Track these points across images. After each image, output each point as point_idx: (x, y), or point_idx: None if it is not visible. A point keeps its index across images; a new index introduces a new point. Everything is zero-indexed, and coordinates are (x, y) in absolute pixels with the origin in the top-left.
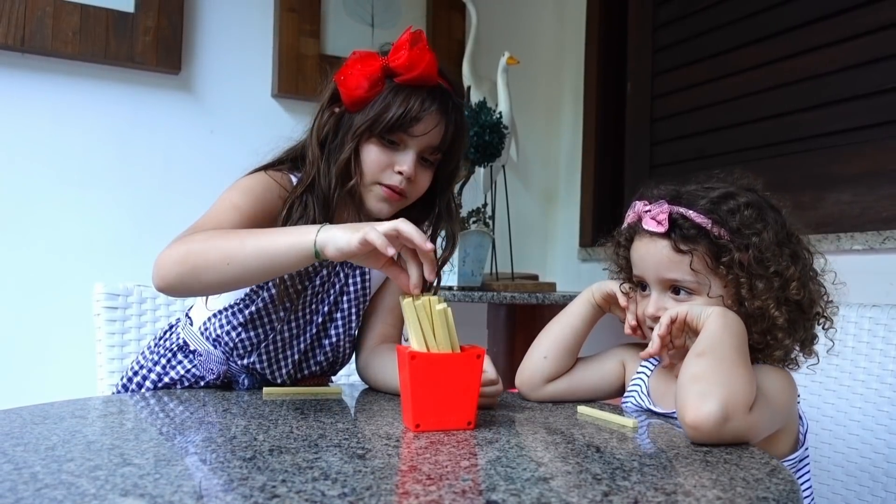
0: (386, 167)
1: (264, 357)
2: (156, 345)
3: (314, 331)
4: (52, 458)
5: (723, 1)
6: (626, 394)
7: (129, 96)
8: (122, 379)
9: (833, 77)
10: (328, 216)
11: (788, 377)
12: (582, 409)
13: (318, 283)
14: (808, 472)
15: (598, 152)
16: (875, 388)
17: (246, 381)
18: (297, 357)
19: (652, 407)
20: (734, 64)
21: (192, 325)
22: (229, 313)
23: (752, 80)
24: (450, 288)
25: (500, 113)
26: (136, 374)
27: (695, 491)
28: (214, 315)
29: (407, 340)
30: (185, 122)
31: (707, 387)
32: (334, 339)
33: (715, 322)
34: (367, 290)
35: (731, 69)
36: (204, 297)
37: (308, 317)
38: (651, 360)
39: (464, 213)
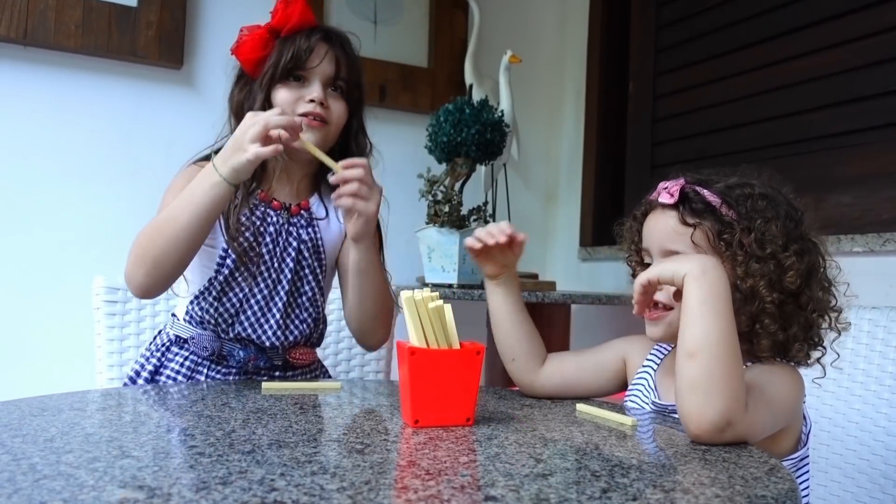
0: (297, 100)
1: (247, 323)
2: (147, 349)
3: (287, 287)
4: (51, 449)
5: (725, 2)
6: (630, 387)
7: (131, 91)
8: (122, 385)
9: (835, 79)
10: (257, 171)
11: (797, 376)
12: (581, 406)
13: (268, 240)
14: (808, 472)
15: (600, 152)
16: (874, 390)
17: (241, 354)
18: (279, 317)
19: (658, 400)
20: (736, 65)
21: (178, 319)
22: (205, 293)
23: (754, 81)
24: (450, 286)
25: (501, 111)
26: (132, 380)
27: (693, 489)
28: (193, 300)
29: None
30: (186, 117)
31: (705, 399)
32: (310, 294)
33: (695, 290)
34: (318, 238)
35: (733, 70)
36: (183, 291)
37: (276, 275)
38: (658, 353)
39: (464, 211)
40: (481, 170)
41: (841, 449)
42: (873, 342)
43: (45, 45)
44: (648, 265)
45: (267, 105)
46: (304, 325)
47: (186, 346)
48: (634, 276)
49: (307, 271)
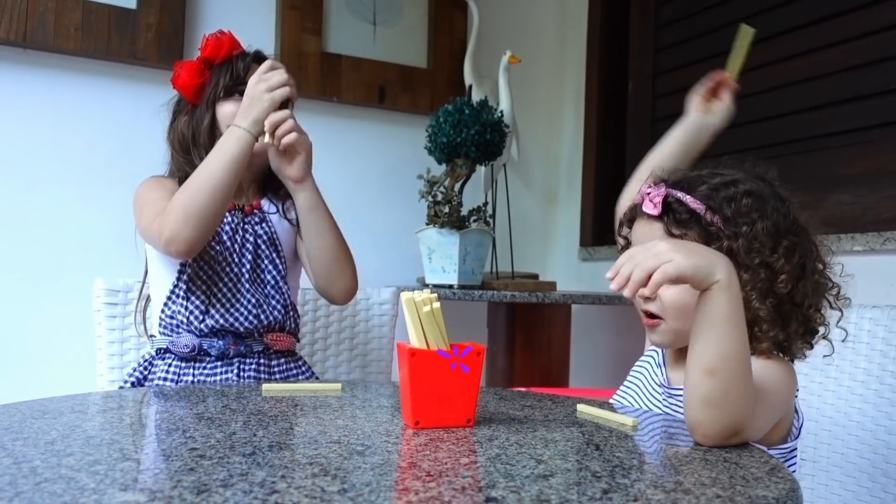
0: None
1: (218, 315)
2: (132, 367)
3: (248, 276)
4: (52, 452)
5: (725, 1)
6: (641, 359)
7: (130, 92)
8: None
9: (835, 78)
10: None
11: (790, 371)
12: (582, 407)
13: (225, 238)
14: (795, 464)
15: (599, 152)
16: (875, 389)
17: (220, 344)
18: (248, 305)
19: (666, 384)
20: None
21: (155, 336)
22: (172, 296)
23: (754, 81)
24: (450, 286)
25: (501, 112)
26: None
27: (694, 489)
28: (163, 307)
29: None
30: None
31: (719, 414)
32: (272, 282)
33: (724, 302)
34: (273, 231)
35: None
36: (153, 304)
37: (237, 269)
38: (655, 350)
39: (464, 211)
40: (481, 170)
41: (842, 448)
42: (874, 341)
43: (45, 48)
44: None
45: (214, 122)
46: (277, 312)
47: (169, 354)
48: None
49: (267, 262)
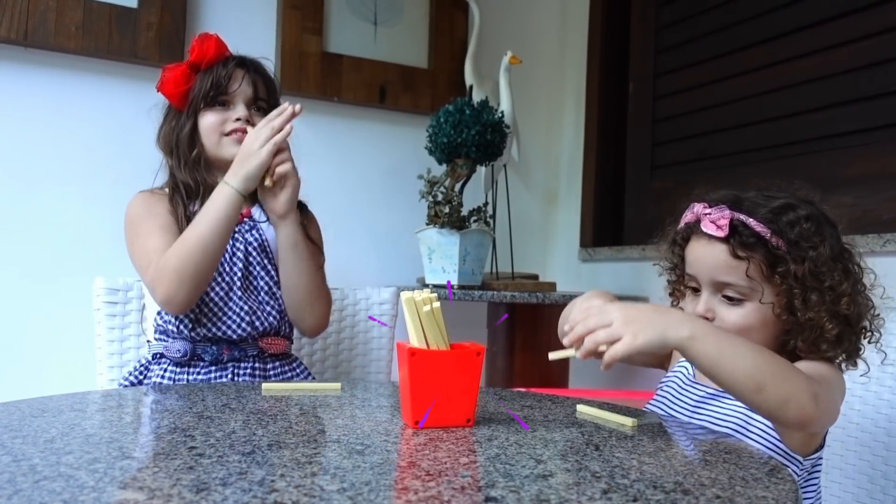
0: (224, 121)
1: (210, 323)
2: (128, 372)
3: (239, 284)
4: (51, 450)
5: (725, 2)
6: (673, 369)
7: (131, 91)
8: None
9: (836, 79)
10: (200, 191)
11: (842, 378)
12: (581, 407)
13: None
14: (820, 473)
15: (600, 153)
16: (874, 391)
17: (214, 349)
18: (242, 314)
19: (696, 382)
20: (736, 65)
21: (151, 342)
22: None
23: (755, 82)
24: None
25: (501, 112)
26: None
27: (694, 489)
28: (157, 314)
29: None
30: None
31: (795, 398)
32: (265, 288)
33: (704, 348)
34: (264, 238)
35: (734, 71)
36: (148, 312)
37: (228, 277)
38: None
39: (464, 212)
40: (481, 171)
41: (841, 450)
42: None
43: (46, 47)
44: (696, 290)
45: (195, 131)
46: (272, 318)
47: (164, 359)
48: (674, 300)
49: (258, 269)
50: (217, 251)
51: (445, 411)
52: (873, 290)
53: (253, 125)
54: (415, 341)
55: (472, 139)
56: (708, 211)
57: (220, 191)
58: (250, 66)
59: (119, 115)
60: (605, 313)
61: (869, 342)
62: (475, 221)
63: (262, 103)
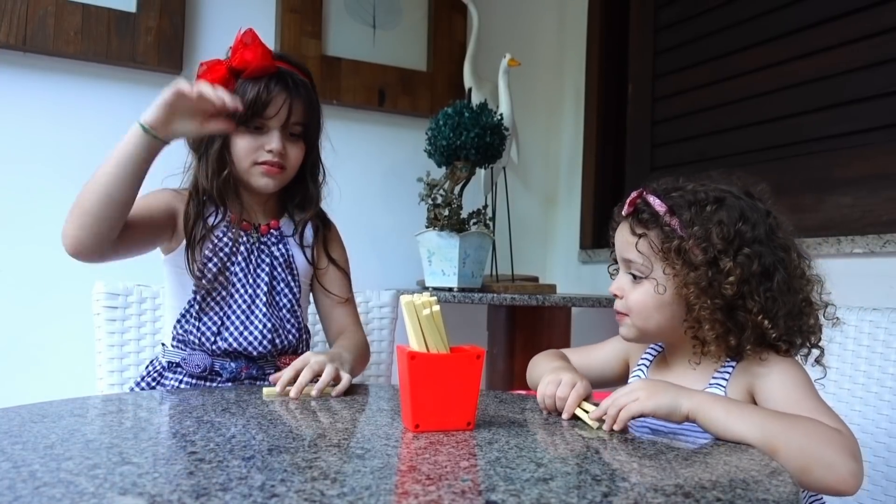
0: (257, 149)
1: (231, 338)
2: (140, 377)
3: (264, 299)
4: (51, 456)
5: (724, 4)
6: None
7: (130, 96)
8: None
9: (835, 80)
10: (222, 203)
11: (802, 369)
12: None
13: (240, 259)
14: None
15: (599, 154)
16: (875, 392)
17: (232, 366)
18: (262, 329)
19: None
20: (735, 67)
21: (166, 346)
22: (186, 314)
23: (754, 83)
24: (450, 289)
25: (501, 114)
26: None
27: (694, 492)
28: (176, 323)
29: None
30: None
31: (820, 461)
32: (288, 305)
33: (714, 418)
34: (290, 254)
35: (733, 72)
36: (167, 318)
37: (252, 290)
38: (650, 350)
39: (464, 214)
40: (481, 173)
41: None
42: (874, 343)
43: (45, 51)
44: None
45: (226, 150)
46: (291, 336)
47: (180, 368)
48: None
49: (282, 285)
50: (116, 193)
51: (446, 415)
52: (822, 284)
53: (285, 155)
54: (414, 345)
55: (471, 141)
56: (632, 194)
57: (131, 129)
58: (293, 88)
59: (118, 119)
60: (631, 389)
61: (810, 343)
62: (475, 224)
63: (298, 128)
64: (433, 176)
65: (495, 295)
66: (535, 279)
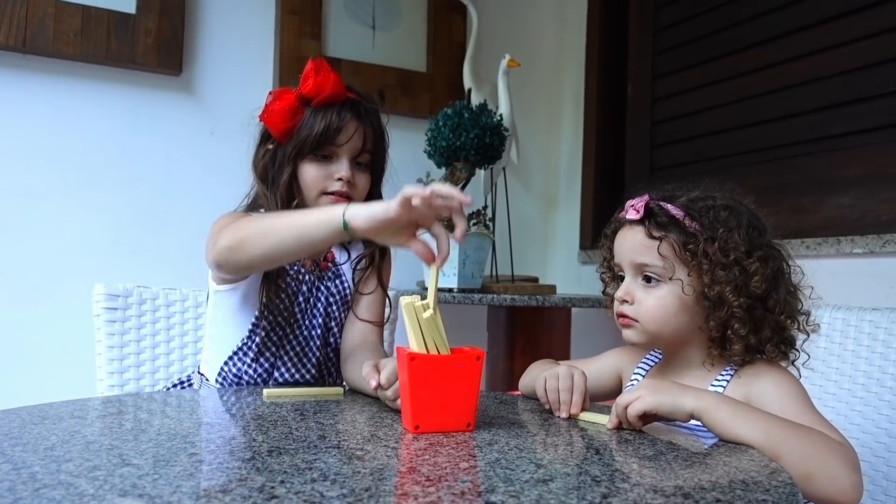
0: (326, 178)
1: (285, 376)
2: (173, 386)
3: (318, 342)
4: (51, 458)
5: (723, 5)
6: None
7: (129, 97)
8: None
9: (833, 80)
10: None
11: (792, 376)
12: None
13: (301, 299)
14: None
15: (599, 155)
16: (875, 392)
17: None
18: (313, 370)
19: None
20: (735, 67)
21: (207, 380)
22: (239, 353)
23: (753, 84)
24: (450, 290)
25: (500, 115)
26: None
27: (694, 493)
28: (228, 359)
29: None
30: (185, 124)
31: (821, 468)
32: (335, 343)
33: (719, 419)
34: (346, 288)
35: (732, 73)
36: (211, 352)
37: (307, 332)
38: (645, 362)
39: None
40: (481, 174)
41: None
42: (874, 344)
43: (44, 53)
44: (621, 278)
45: (294, 179)
46: (334, 369)
47: None
48: (605, 290)
49: (334, 324)
50: (278, 253)
51: (445, 416)
52: (802, 290)
53: (354, 185)
54: (414, 346)
55: (470, 142)
56: (633, 201)
57: (331, 209)
58: (365, 116)
59: (118, 121)
60: (635, 388)
61: (797, 346)
62: (475, 224)
63: (366, 156)
64: (433, 177)
65: (495, 296)
66: (535, 280)
